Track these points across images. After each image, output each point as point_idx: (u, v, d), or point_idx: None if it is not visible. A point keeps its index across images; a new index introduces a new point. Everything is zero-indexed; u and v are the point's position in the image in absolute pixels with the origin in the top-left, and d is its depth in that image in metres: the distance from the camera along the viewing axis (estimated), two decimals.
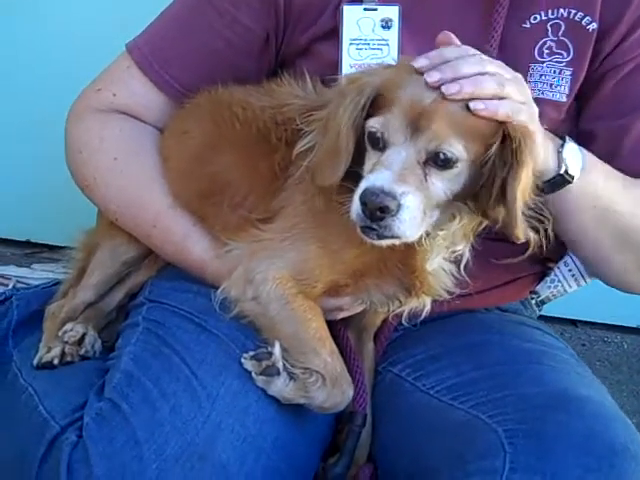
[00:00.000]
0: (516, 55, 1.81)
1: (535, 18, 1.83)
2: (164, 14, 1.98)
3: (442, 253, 1.68)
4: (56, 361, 1.84)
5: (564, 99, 1.84)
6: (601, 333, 3.53)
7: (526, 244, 1.63)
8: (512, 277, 2.03)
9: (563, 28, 1.82)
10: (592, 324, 3.54)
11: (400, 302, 1.75)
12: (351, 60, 1.83)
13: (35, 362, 1.85)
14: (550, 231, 1.63)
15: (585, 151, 1.74)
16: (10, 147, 3.32)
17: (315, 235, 1.67)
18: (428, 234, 1.60)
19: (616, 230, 1.83)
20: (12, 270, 2.97)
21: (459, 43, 1.61)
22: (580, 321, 3.54)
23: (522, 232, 1.56)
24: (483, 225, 1.66)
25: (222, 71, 1.90)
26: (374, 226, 1.49)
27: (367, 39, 1.83)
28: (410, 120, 1.49)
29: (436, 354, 1.87)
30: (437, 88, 1.50)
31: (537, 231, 1.61)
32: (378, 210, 1.46)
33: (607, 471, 1.51)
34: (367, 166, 1.55)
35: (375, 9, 1.83)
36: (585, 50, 1.82)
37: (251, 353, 1.64)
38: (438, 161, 1.49)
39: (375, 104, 1.55)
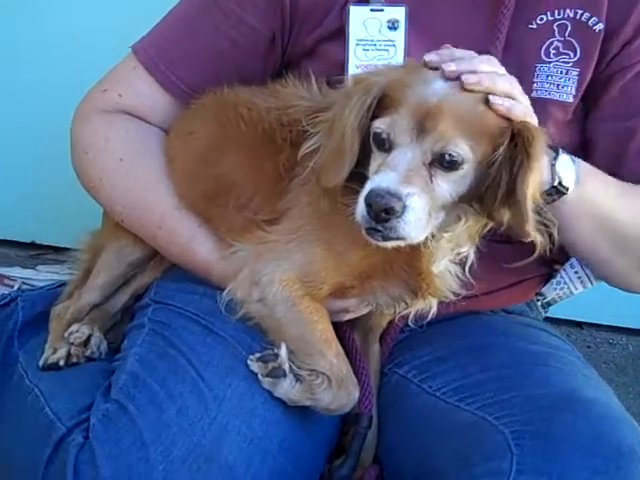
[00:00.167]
0: (522, 55, 1.82)
1: (542, 19, 1.82)
2: (170, 15, 1.98)
3: (447, 255, 1.68)
4: (62, 362, 1.84)
5: (571, 99, 1.84)
6: (607, 335, 3.52)
7: (531, 246, 1.63)
8: (518, 279, 2.02)
9: (570, 28, 1.82)
10: (597, 326, 3.53)
11: (406, 304, 1.75)
12: (357, 61, 1.83)
13: (41, 363, 1.85)
14: (555, 234, 1.62)
15: (580, 162, 1.74)
16: (15, 148, 3.32)
17: (321, 237, 1.67)
18: (433, 236, 1.60)
19: (616, 237, 1.83)
20: (17, 271, 2.98)
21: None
22: (585, 323, 3.54)
23: (532, 228, 1.55)
24: (488, 227, 1.65)
25: (228, 72, 1.90)
26: (379, 227, 1.48)
27: (373, 40, 1.83)
28: (416, 121, 1.49)
29: (442, 356, 1.86)
30: (444, 87, 1.50)
31: (542, 234, 1.61)
32: (383, 211, 1.46)
33: (614, 473, 1.51)
34: (372, 167, 1.54)
35: (382, 10, 1.82)
36: (592, 51, 1.82)
37: (257, 355, 1.64)
38: (444, 162, 1.49)
39: (381, 105, 1.55)
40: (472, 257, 1.71)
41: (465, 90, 1.51)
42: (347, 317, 1.80)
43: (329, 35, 1.87)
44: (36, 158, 3.27)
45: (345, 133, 1.55)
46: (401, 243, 1.53)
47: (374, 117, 1.54)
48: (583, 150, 1.91)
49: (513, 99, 1.55)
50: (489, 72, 1.55)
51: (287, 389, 1.61)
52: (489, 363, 1.79)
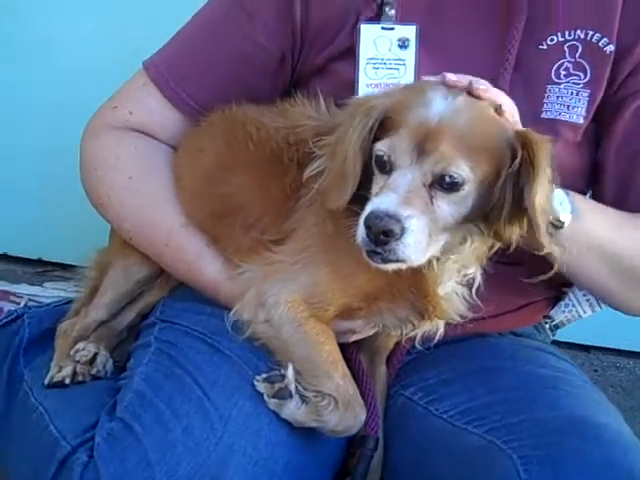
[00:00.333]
0: (532, 76, 1.82)
1: (552, 39, 1.82)
2: (180, 32, 1.98)
3: (454, 277, 1.67)
4: (67, 380, 1.83)
5: (581, 121, 1.84)
6: (613, 359, 3.50)
7: (542, 267, 1.63)
8: (526, 301, 2.01)
9: (580, 49, 1.81)
10: (604, 350, 3.51)
11: (413, 325, 1.73)
12: (368, 79, 1.83)
13: (46, 381, 1.84)
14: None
15: (575, 195, 1.73)
16: (22, 164, 3.33)
17: (326, 258, 1.66)
18: (439, 259, 1.59)
19: (617, 268, 1.82)
20: (24, 288, 2.97)
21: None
22: (592, 347, 3.52)
23: (546, 239, 1.53)
24: (495, 248, 1.64)
25: (237, 89, 1.90)
26: (379, 250, 1.47)
27: (384, 58, 1.83)
28: (416, 142, 1.48)
29: (449, 378, 1.85)
30: (445, 108, 1.49)
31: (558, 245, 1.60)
32: (382, 234, 1.45)
33: None
34: (374, 190, 1.54)
35: (392, 28, 1.82)
36: (602, 72, 1.82)
37: (264, 375, 1.63)
38: (444, 184, 1.48)
39: (383, 127, 1.54)
40: (479, 279, 1.69)
41: (471, 97, 1.52)
42: (353, 338, 1.79)
43: (339, 54, 1.87)
44: (44, 175, 3.27)
45: (347, 156, 1.55)
46: (401, 266, 1.52)
47: (376, 139, 1.54)
48: (593, 173, 1.90)
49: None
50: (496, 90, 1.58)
51: (293, 410, 1.60)
52: (497, 386, 1.77)
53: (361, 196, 1.55)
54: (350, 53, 1.85)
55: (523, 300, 2.01)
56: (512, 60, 1.80)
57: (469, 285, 1.70)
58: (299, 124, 1.76)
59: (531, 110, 1.80)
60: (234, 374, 1.65)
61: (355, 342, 1.81)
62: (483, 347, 1.95)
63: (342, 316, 1.69)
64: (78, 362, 1.86)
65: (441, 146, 1.47)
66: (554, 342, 2.18)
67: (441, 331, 1.75)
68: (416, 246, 1.47)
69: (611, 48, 1.81)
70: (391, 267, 1.52)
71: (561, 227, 1.67)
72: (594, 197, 1.96)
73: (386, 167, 1.51)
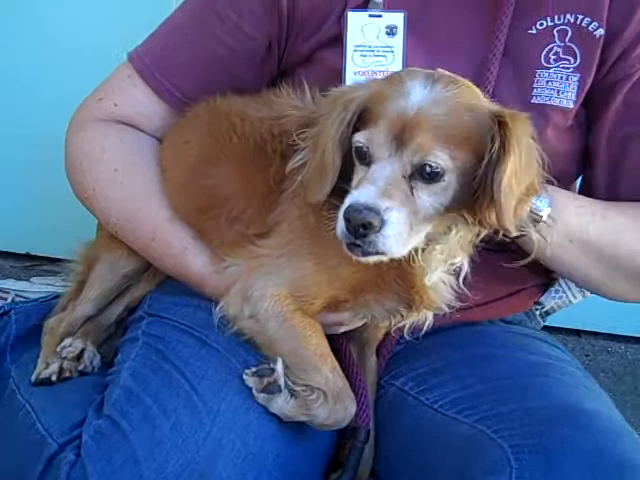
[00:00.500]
0: (522, 61, 1.81)
1: (541, 24, 1.81)
2: (165, 23, 1.97)
3: (440, 266, 1.66)
4: (54, 377, 1.82)
5: (571, 105, 1.82)
6: (604, 343, 3.51)
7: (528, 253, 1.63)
8: (516, 288, 2.01)
9: (570, 34, 1.80)
10: (595, 334, 3.53)
11: (401, 316, 1.72)
12: (355, 67, 1.81)
13: (33, 378, 1.83)
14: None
15: (555, 189, 1.71)
16: (9, 157, 3.32)
17: (311, 251, 1.65)
18: (424, 249, 1.59)
19: (599, 259, 1.81)
20: (11, 284, 2.97)
21: None
22: (583, 331, 3.53)
23: (512, 225, 1.52)
24: (481, 236, 1.63)
25: (224, 79, 1.89)
26: (358, 242, 1.46)
27: (371, 46, 1.82)
28: (394, 134, 1.47)
29: (439, 367, 1.85)
30: (423, 98, 1.47)
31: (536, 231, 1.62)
32: (361, 227, 1.43)
33: None
34: (354, 182, 1.53)
35: (380, 16, 1.81)
36: (592, 56, 1.80)
37: (253, 369, 1.62)
38: (424, 174, 1.46)
39: (362, 118, 1.53)
40: (466, 267, 1.68)
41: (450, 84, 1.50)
42: (342, 330, 1.78)
43: (327, 42, 1.85)
44: (30, 168, 3.26)
45: (326, 149, 1.54)
46: (382, 258, 1.50)
47: (357, 130, 1.53)
48: (585, 158, 1.90)
49: None
50: None
51: (282, 405, 1.59)
52: (487, 374, 1.77)
53: (343, 189, 1.54)
54: (337, 41, 1.83)
55: (513, 287, 2.00)
56: (501, 45, 1.79)
57: (456, 274, 1.69)
58: (283, 115, 1.74)
59: (521, 95, 1.79)
60: (222, 368, 1.64)
61: (344, 333, 1.81)
62: (474, 335, 1.95)
63: (329, 309, 1.68)
64: (65, 358, 1.85)
65: (419, 137, 1.45)
66: (545, 327, 2.18)
67: (430, 321, 1.75)
68: (396, 238, 1.45)
69: (601, 32, 1.79)
70: (372, 260, 1.51)
71: (540, 220, 1.67)
72: (585, 182, 1.96)
73: (366, 158, 1.50)
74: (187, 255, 1.81)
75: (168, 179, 1.88)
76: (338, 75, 1.81)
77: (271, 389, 1.59)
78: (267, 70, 1.92)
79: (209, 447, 1.53)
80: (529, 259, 1.66)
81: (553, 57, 1.81)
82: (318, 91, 1.76)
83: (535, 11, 1.81)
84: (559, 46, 1.81)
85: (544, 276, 2.04)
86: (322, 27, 1.85)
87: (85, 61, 2.97)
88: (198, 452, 1.53)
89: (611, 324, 3.46)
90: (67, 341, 1.89)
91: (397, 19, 1.81)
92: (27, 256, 3.48)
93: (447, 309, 1.71)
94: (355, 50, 1.82)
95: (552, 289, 2.09)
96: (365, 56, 1.82)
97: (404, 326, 1.76)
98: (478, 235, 1.63)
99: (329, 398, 1.59)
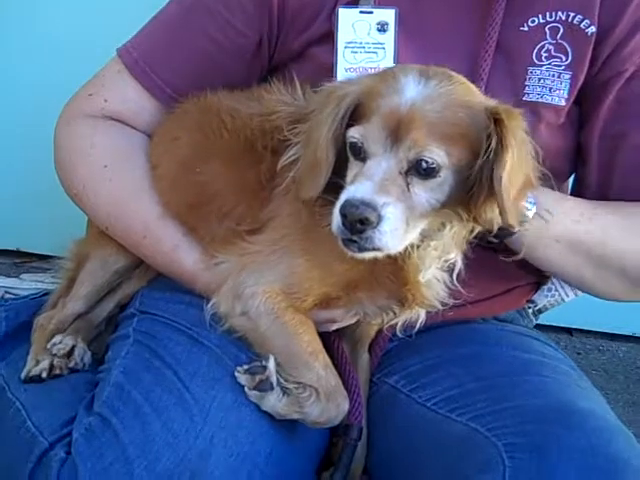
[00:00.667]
0: (514, 58, 1.80)
1: (533, 21, 1.80)
2: (155, 18, 1.96)
3: (434, 263, 1.65)
4: (44, 374, 1.81)
5: (563, 103, 1.82)
6: (596, 341, 3.51)
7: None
8: (508, 287, 2.01)
9: (562, 31, 1.80)
10: (587, 332, 3.53)
11: (394, 313, 1.72)
12: (346, 64, 1.81)
13: (23, 376, 1.82)
14: None
15: (541, 190, 1.69)
16: None
17: (303, 248, 1.64)
18: (418, 246, 1.58)
19: (588, 258, 1.81)
20: (1, 280, 2.95)
21: None
22: (575, 329, 3.53)
23: (515, 219, 1.52)
24: (475, 232, 1.63)
25: (214, 75, 1.88)
26: (355, 238, 1.45)
27: (362, 42, 1.81)
28: (389, 130, 1.46)
29: (432, 365, 1.84)
30: (417, 94, 1.47)
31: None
32: (358, 222, 1.43)
33: None
34: (349, 177, 1.52)
35: (371, 12, 1.81)
36: (584, 53, 1.80)
37: (245, 367, 1.62)
38: (420, 170, 1.46)
39: (356, 113, 1.52)
40: (460, 264, 1.68)
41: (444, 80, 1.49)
42: (334, 327, 1.78)
43: (318, 38, 1.85)
44: (20, 164, 3.24)
45: (319, 146, 1.53)
46: (378, 254, 1.50)
47: (350, 125, 1.52)
48: (577, 156, 1.89)
49: None
50: None
51: (274, 403, 1.58)
52: (481, 372, 1.76)
53: (336, 185, 1.53)
54: (328, 38, 1.83)
55: (506, 285, 2.00)
56: (493, 42, 1.78)
57: (450, 271, 1.69)
58: (274, 111, 1.74)
59: (513, 92, 1.79)
60: (214, 365, 1.64)
61: (337, 330, 1.80)
62: (467, 333, 1.95)
63: (321, 306, 1.67)
64: (55, 355, 1.84)
65: (413, 133, 1.45)
66: (537, 325, 2.18)
67: (423, 318, 1.74)
68: (393, 234, 1.45)
69: (592, 30, 1.79)
70: (368, 256, 1.50)
71: (526, 221, 1.67)
72: (578, 180, 1.96)
73: (360, 154, 1.50)
74: (178, 252, 1.80)
75: (158, 175, 1.87)
76: (329, 71, 1.80)
77: (263, 387, 1.58)
78: (258, 66, 1.91)
79: (201, 445, 1.52)
80: (518, 257, 1.67)
81: (545, 55, 1.81)
82: (309, 87, 1.75)
83: (527, 8, 1.81)
84: (551, 43, 1.81)
85: (537, 274, 2.04)
86: (313, 24, 1.84)
87: (72, 59, 2.95)
88: (190, 450, 1.52)
89: (603, 322, 3.46)
90: (57, 338, 1.87)
91: (388, 16, 1.81)
92: (17, 253, 3.46)
93: (440, 306, 1.70)
94: (346, 47, 1.82)
95: (545, 287, 2.09)
96: (356, 52, 1.82)
97: (397, 323, 1.75)
98: (472, 231, 1.62)
99: (321, 396, 1.59)
